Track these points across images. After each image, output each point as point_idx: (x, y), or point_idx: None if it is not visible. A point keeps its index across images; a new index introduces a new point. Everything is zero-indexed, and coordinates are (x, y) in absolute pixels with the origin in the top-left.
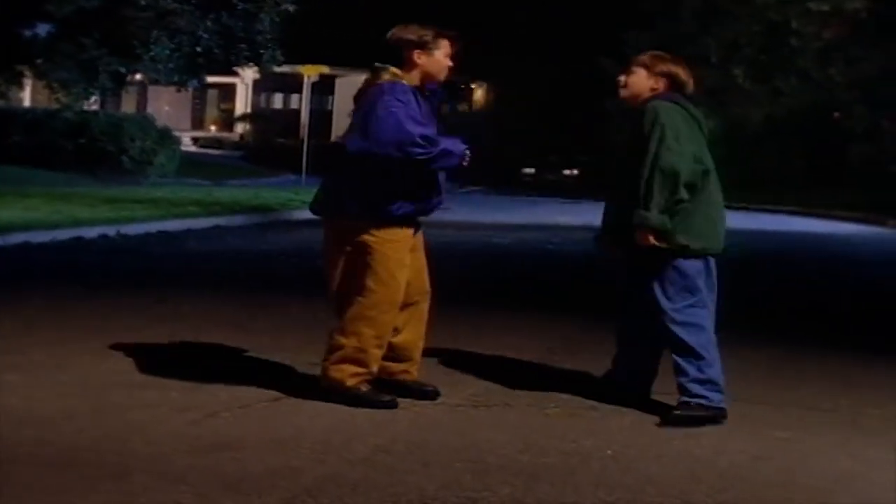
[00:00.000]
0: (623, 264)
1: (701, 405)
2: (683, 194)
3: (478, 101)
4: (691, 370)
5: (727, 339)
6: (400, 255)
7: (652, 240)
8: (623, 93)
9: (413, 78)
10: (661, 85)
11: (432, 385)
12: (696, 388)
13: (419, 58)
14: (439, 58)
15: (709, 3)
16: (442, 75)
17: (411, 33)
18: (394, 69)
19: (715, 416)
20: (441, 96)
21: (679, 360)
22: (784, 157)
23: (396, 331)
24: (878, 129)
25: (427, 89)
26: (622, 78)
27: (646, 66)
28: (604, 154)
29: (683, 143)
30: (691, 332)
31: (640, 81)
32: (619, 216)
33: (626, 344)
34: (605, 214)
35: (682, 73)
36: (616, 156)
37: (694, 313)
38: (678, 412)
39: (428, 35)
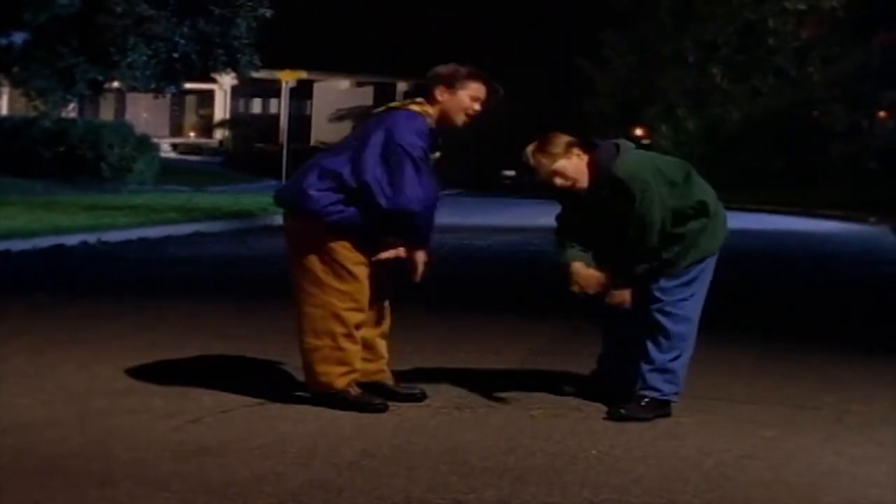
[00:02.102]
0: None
1: (653, 400)
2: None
3: None
4: (659, 358)
5: (712, 339)
6: (357, 252)
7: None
8: (581, 185)
9: (433, 113)
10: (583, 151)
11: (419, 388)
12: (653, 379)
13: (441, 95)
14: (462, 97)
15: (685, 4)
16: (459, 118)
17: (445, 69)
18: (421, 101)
19: (661, 412)
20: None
21: (651, 346)
22: (764, 156)
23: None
24: (857, 127)
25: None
26: (558, 180)
27: (558, 155)
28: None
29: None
30: (676, 322)
31: (576, 166)
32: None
33: (611, 343)
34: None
35: (565, 138)
36: (606, 220)
37: (684, 306)
38: (625, 410)
39: (458, 73)
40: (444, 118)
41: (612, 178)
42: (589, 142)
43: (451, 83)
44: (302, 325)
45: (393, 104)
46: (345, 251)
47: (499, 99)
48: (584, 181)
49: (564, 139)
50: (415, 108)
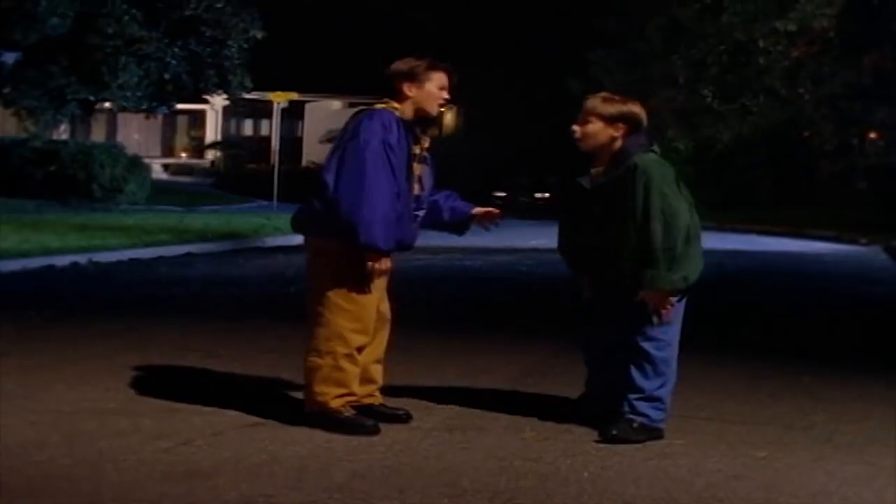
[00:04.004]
0: (588, 285)
1: (643, 425)
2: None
3: (448, 125)
4: (647, 387)
5: (702, 360)
6: (370, 276)
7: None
8: (582, 145)
9: (406, 110)
10: (621, 130)
11: (403, 409)
12: (642, 406)
13: (409, 90)
14: (430, 89)
15: (675, 23)
16: (434, 108)
17: (403, 65)
18: (391, 101)
19: (652, 436)
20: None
21: (637, 374)
22: (754, 175)
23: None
24: (846, 146)
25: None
26: (577, 129)
27: (600, 115)
28: (568, 191)
29: (681, 199)
30: (660, 347)
31: (598, 132)
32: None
33: (596, 365)
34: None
35: (636, 110)
36: (597, 204)
37: (667, 331)
38: (616, 432)
39: (419, 66)
40: (418, 111)
41: (630, 164)
42: (641, 135)
43: (416, 77)
44: (308, 343)
45: (360, 109)
46: (358, 271)
47: (456, 82)
48: (589, 146)
49: (629, 110)
50: (379, 106)
